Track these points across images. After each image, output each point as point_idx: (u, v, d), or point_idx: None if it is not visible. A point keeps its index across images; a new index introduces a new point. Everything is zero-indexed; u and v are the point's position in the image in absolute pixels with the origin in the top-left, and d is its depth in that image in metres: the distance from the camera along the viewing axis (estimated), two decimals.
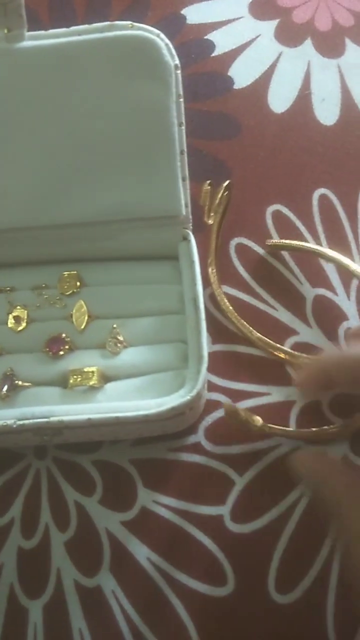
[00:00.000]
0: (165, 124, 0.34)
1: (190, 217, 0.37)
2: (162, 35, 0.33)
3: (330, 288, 0.39)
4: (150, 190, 0.35)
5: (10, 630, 0.33)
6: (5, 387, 0.35)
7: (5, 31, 0.32)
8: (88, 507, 0.35)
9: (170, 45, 0.33)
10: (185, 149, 0.35)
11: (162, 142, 0.34)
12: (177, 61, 0.34)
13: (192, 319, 0.34)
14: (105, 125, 0.34)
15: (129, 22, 0.33)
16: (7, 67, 0.33)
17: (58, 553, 0.35)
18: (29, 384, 0.36)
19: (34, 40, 0.33)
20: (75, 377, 0.35)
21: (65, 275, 0.38)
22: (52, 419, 0.31)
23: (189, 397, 0.32)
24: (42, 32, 0.33)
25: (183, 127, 0.35)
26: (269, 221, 0.42)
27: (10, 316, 0.38)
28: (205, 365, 0.33)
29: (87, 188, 0.36)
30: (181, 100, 0.34)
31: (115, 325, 0.37)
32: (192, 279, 0.35)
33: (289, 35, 0.49)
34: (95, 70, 0.33)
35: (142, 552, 0.34)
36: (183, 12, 0.50)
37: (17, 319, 0.38)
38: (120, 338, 0.36)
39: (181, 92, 0.34)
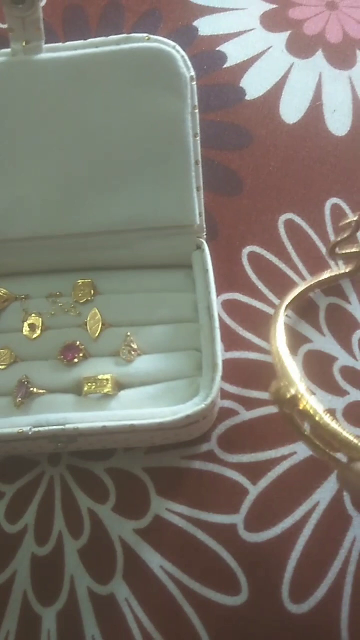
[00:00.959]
0: (181, 135, 0.34)
1: (205, 226, 0.37)
2: (178, 48, 0.34)
3: (343, 297, 0.40)
4: (166, 200, 0.36)
5: (24, 638, 0.33)
6: (20, 395, 0.35)
7: (24, 44, 0.33)
8: (101, 514, 0.35)
9: (186, 57, 0.34)
10: (200, 160, 0.35)
11: (178, 152, 0.35)
12: (193, 73, 0.34)
13: (207, 327, 0.35)
14: (121, 136, 0.35)
15: (145, 35, 0.33)
16: (25, 78, 0.34)
17: (72, 560, 0.34)
18: (44, 391, 0.36)
19: (51, 52, 0.34)
20: (89, 384, 0.35)
21: (80, 283, 0.39)
22: (67, 426, 0.31)
23: (203, 406, 0.32)
24: (60, 44, 0.34)
25: (198, 138, 0.35)
26: (282, 230, 0.42)
27: (26, 324, 0.38)
28: (219, 373, 0.33)
29: (103, 198, 0.36)
30: (196, 111, 0.35)
31: (129, 334, 0.37)
32: (206, 287, 0.36)
33: (300, 47, 0.49)
34: (112, 81, 0.34)
35: (155, 561, 0.34)
36: (195, 24, 0.51)
37: (32, 327, 0.38)
38: (134, 346, 0.37)
39: (196, 103, 0.35)
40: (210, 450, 0.36)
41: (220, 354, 0.33)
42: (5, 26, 0.51)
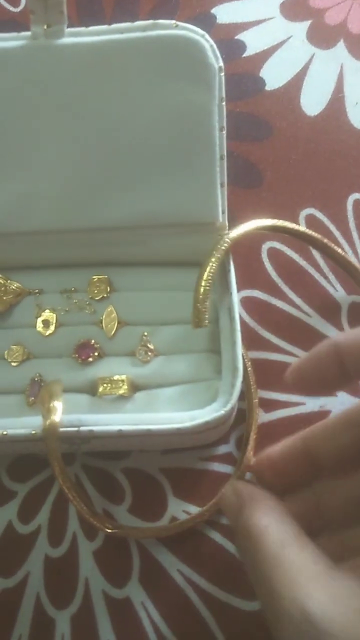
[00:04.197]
0: (207, 128, 0.33)
1: (227, 223, 0.36)
2: (207, 36, 0.32)
3: None
4: (188, 196, 0.34)
5: None
6: (33, 393, 0.35)
7: (45, 27, 0.32)
8: (117, 515, 0.34)
9: (215, 47, 0.32)
10: (225, 155, 0.34)
11: (203, 146, 0.33)
12: (222, 63, 0.33)
13: (227, 329, 0.33)
14: (144, 128, 0.33)
15: (173, 22, 0.32)
16: (45, 63, 0.32)
17: (86, 562, 0.34)
18: None
19: (73, 37, 0.32)
20: (104, 385, 0.34)
21: (95, 279, 0.38)
22: (82, 428, 0.30)
23: (223, 412, 0.31)
24: (83, 29, 0.32)
25: (224, 132, 0.34)
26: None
27: (39, 320, 0.37)
28: (240, 378, 0.31)
29: (123, 192, 0.35)
30: (223, 103, 0.33)
31: (146, 333, 0.36)
32: (227, 287, 0.34)
33: (321, 36, 0.48)
34: (136, 70, 0.32)
35: (172, 564, 0.33)
36: (213, 11, 0.49)
37: (46, 323, 0.37)
38: (151, 346, 0.36)
39: (224, 95, 0.33)
40: (228, 452, 0.35)
41: (241, 358, 0.32)
42: (16, 10, 0.50)
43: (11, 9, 0.50)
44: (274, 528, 0.24)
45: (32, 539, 0.34)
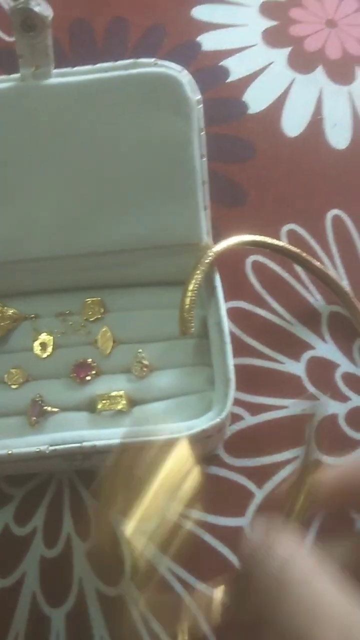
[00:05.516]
0: (188, 157, 0.35)
1: (212, 243, 0.38)
2: (185, 72, 0.34)
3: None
4: (174, 219, 0.36)
5: (33, 639, 0.34)
6: (35, 414, 0.36)
7: (33, 69, 0.34)
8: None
9: (193, 81, 0.34)
10: (207, 180, 0.36)
11: (185, 173, 0.35)
12: (199, 96, 0.35)
13: (217, 343, 0.35)
14: (129, 158, 0.35)
15: (152, 60, 0.34)
16: (35, 102, 0.34)
17: (80, 562, 0.35)
18: (57, 409, 0.36)
19: (60, 77, 0.34)
20: (103, 401, 0.36)
21: (89, 301, 0.39)
22: (84, 444, 0.31)
23: (218, 420, 0.32)
24: (69, 69, 0.34)
25: (205, 159, 0.36)
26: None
27: (36, 343, 0.38)
28: (232, 388, 0.33)
29: (113, 218, 0.37)
30: (203, 133, 0.35)
31: (140, 350, 0.38)
32: (215, 303, 0.36)
33: (301, 62, 0.51)
34: (120, 106, 0.34)
35: (162, 562, 0.35)
36: (198, 39, 0.52)
37: (43, 346, 0.38)
38: (146, 362, 0.37)
39: (203, 126, 0.35)
40: (216, 454, 0.37)
41: (232, 369, 0.34)
42: (11, 39, 0.53)
43: (6, 38, 0.53)
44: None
45: (28, 541, 0.36)
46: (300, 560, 0.20)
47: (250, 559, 0.21)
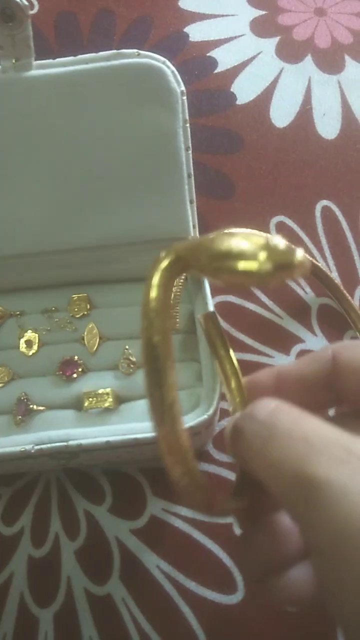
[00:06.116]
0: (173, 149, 0.35)
1: (198, 237, 0.37)
2: (168, 63, 0.34)
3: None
4: (160, 213, 0.36)
5: (22, 639, 0.33)
6: (20, 412, 0.35)
7: (14, 61, 0.33)
8: (98, 515, 0.35)
9: (176, 72, 0.34)
10: (192, 173, 0.36)
11: (170, 166, 0.35)
12: (183, 87, 0.34)
13: (204, 339, 0.35)
14: (114, 151, 0.35)
15: (135, 50, 0.34)
16: (16, 95, 0.34)
17: (68, 562, 0.35)
18: (43, 407, 0.35)
19: (41, 69, 0.34)
20: (90, 399, 0.35)
21: (75, 298, 0.39)
22: (70, 442, 0.31)
23: (206, 416, 0.31)
24: (50, 60, 0.34)
25: (190, 151, 0.35)
26: (273, 232, 0.42)
27: (22, 340, 0.38)
28: (220, 383, 0.33)
29: (98, 213, 0.36)
30: (187, 125, 0.35)
31: (127, 347, 0.37)
32: (202, 298, 0.36)
33: (289, 52, 0.50)
34: (103, 97, 0.34)
35: (152, 560, 0.34)
36: (186, 30, 0.51)
37: (29, 343, 0.38)
38: (133, 359, 0.37)
39: (187, 117, 0.35)
40: (206, 450, 0.37)
41: None
42: None
43: None
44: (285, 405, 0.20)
45: (16, 540, 0.35)
46: (285, 409, 0.20)
47: (236, 426, 0.21)
